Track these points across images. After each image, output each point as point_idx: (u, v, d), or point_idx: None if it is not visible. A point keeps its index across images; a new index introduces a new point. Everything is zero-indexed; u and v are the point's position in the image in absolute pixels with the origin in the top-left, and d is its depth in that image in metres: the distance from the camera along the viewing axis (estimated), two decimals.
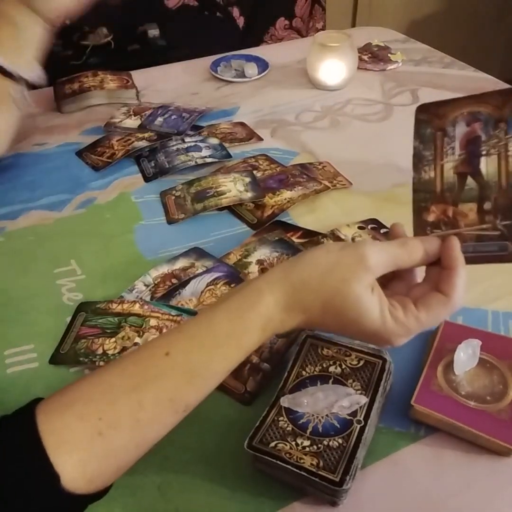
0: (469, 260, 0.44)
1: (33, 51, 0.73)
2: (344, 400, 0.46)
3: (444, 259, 0.44)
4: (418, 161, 0.47)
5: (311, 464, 0.42)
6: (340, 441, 0.44)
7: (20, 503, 0.35)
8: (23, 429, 0.36)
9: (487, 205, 0.45)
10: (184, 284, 0.61)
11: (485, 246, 0.45)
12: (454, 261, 0.44)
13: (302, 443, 0.44)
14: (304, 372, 0.49)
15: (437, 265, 0.45)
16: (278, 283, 0.43)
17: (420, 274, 0.47)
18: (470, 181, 0.45)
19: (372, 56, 1.11)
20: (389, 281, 0.46)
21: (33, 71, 0.73)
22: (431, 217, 0.46)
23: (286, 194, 0.74)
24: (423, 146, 0.46)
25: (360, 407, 0.46)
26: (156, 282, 0.62)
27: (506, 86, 1.03)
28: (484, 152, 0.45)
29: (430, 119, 0.46)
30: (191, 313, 0.57)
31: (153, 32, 1.25)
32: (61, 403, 0.38)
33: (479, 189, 0.45)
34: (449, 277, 0.43)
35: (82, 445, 0.37)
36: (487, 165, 0.45)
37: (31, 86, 0.75)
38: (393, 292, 0.45)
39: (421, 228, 0.47)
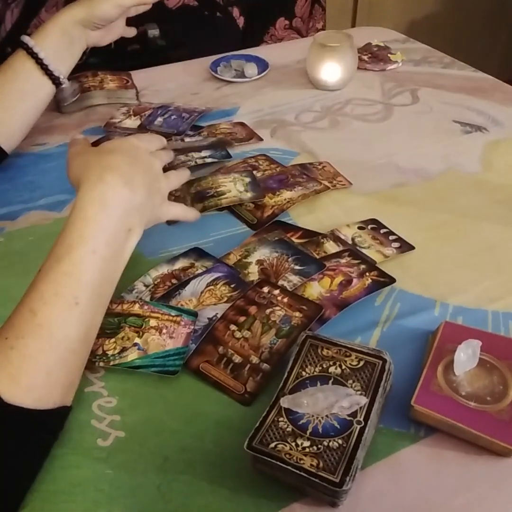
0: None
1: (73, 64, 0.83)
2: (344, 401, 0.46)
3: None
4: None
5: (311, 465, 0.42)
6: (340, 441, 0.44)
7: None
8: None
9: None
10: (184, 284, 0.61)
11: None
12: None
13: (302, 443, 0.44)
14: (304, 373, 0.49)
15: None
16: None
17: None
18: None
19: (372, 56, 1.11)
20: None
21: (66, 81, 0.82)
22: None
23: (286, 194, 0.74)
24: None
25: (360, 408, 0.46)
26: (155, 282, 0.62)
27: (505, 86, 1.03)
28: None
29: None
30: (191, 313, 0.57)
31: (153, 32, 1.25)
32: None
33: None
34: None
35: (3, 363, 0.43)
36: None
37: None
38: None
39: None
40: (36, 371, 0.43)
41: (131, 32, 0.91)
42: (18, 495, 0.43)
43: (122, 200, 0.53)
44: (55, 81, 0.79)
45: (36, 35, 0.78)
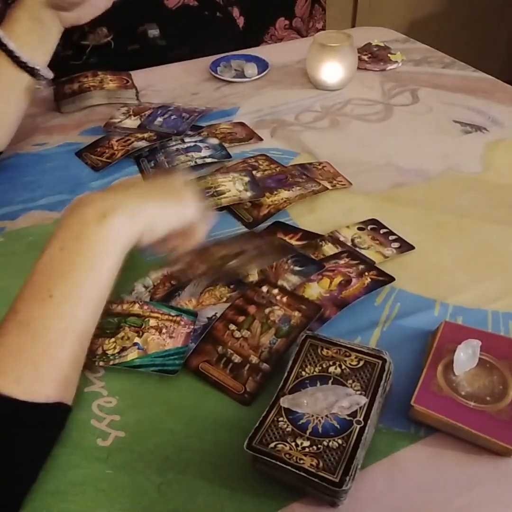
0: None
1: (51, 50, 0.78)
2: (343, 401, 0.46)
3: None
4: None
5: (311, 464, 0.42)
6: (340, 441, 0.44)
7: None
8: None
9: None
10: (183, 285, 0.61)
11: None
12: None
13: (301, 443, 0.44)
14: (303, 373, 0.49)
15: None
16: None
17: None
18: None
19: (372, 56, 1.11)
20: None
21: (47, 69, 0.77)
22: None
23: (284, 194, 0.74)
24: None
25: (360, 408, 0.46)
26: (155, 283, 0.62)
27: (506, 86, 1.03)
28: None
29: None
30: (191, 313, 0.57)
31: (153, 32, 1.25)
32: None
33: None
34: None
35: None
36: None
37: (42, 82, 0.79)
38: None
39: None
40: (22, 363, 0.44)
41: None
42: (16, 492, 0.42)
43: (99, 196, 0.51)
44: (32, 71, 0.75)
45: (4, 24, 0.73)
